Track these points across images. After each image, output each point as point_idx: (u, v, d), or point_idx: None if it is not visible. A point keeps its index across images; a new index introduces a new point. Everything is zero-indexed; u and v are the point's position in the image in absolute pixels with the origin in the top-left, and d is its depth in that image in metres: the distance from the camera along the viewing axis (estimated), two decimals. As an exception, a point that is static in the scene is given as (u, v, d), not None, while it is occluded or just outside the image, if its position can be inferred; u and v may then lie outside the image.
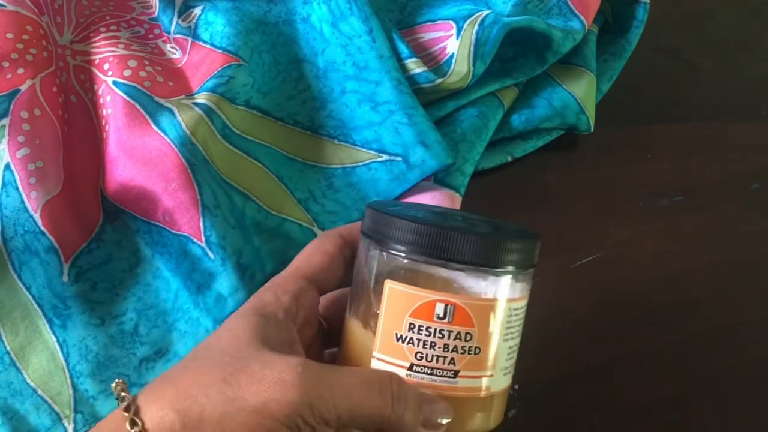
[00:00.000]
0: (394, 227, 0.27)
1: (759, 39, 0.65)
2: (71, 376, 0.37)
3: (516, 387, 0.39)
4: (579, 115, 0.48)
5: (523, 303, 0.29)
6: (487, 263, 0.27)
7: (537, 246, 0.29)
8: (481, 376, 0.28)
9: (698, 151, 0.54)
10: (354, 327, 0.29)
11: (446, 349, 0.27)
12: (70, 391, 0.36)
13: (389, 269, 0.28)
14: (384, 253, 0.28)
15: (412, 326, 0.27)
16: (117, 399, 0.26)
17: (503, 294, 0.28)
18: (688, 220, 0.50)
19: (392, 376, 0.27)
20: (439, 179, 0.43)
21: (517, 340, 0.29)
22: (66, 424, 0.36)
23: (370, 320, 0.28)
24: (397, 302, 0.27)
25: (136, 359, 0.38)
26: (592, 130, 0.49)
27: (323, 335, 0.33)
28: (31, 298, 0.38)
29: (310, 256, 0.31)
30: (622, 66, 0.52)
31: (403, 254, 0.27)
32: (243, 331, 0.27)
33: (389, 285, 0.27)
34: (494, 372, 0.28)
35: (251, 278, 0.39)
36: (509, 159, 0.48)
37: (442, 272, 0.27)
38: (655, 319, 0.45)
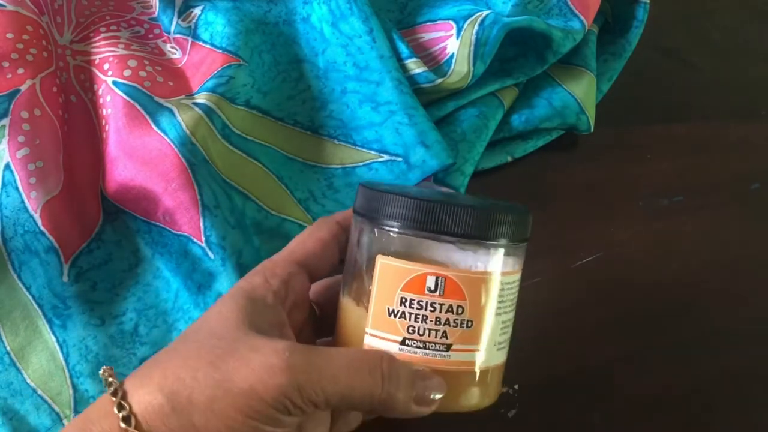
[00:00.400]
0: (385, 203, 0.27)
1: (759, 39, 0.65)
2: (71, 376, 0.37)
3: (516, 387, 0.39)
4: (579, 115, 0.48)
5: (516, 277, 0.29)
6: (477, 236, 0.27)
7: (528, 220, 0.29)
8: (474, 350, 0.28)
9: (698, 151, 0.54)
10: (347, 305, 0.29)
11: (438, 323, 0.27)
12: (70, 391, 0.36)
13: (381, 246, 0.28)
14: (376, 230, 0.28)
15: (403, 300, 0.27)
16: (104, 384, 0.26)
17: (494, 267, 0.28)
18: (688, 220, 0.50)
19: (383, 355, 0.27)
20: (439, 179, 0.43)
21: (511, 315, 0.29)
22: (66, 424, 0.36)
23: (362, 297, 0.28)
24: (389, 277, 0.27)
25: (136, 359, 0.37)
26: (592, 130, 0.49)
27: (315, 321, 0.33)
28: (31, 298, 0.38)
29: (304, 241, 0.31)
30: (622, 66, 0.52)
31: (395, 229, 0.27)
32: (231, 314, 0.27)
33: (381, 260, 0.27)
34: (487, 346, 0.28)
35: (251, 278, 0.39)
36: (509, 159, 0.48)
37: (434, 246, 0.27)
38: (655, 319, 0.45)
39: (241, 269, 0.39)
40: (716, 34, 0.63)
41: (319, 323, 0.33)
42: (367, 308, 0.28)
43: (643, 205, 0.50)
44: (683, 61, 0.60)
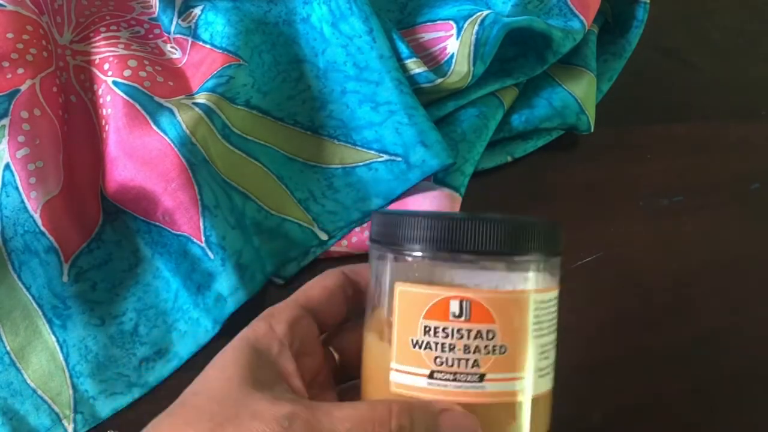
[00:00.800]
0: (400, 226, 0.26)
1: (759, 39, 0.65)
2: (71, 376, 0.37)
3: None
4: (579, 115, 0.48)
5: (552, 295, 0.27)
6: (500, 251, 0.25)
7: (558, 232, 0.27)
8: (512, 379, 0.25)
9: (698, 151, 0.54)
10: (370, 341, 0.27)
11: (467, 351, 0.24)
12: (70, 392, 0.36)
13: (400, 273, 0.26)
14: (393, 256, 0.26)
15: (427, 329, 0.25)
16: None
17: (525, 285, 0.26)
18: (688, 220, 0.50)
19: (392, 408, 0.24)
20: (439, 179, 0.43)
21: (552, 337, 0.27)
22: (66, 424, 0.36)
23: (385, 331, 0.26)
24: (410, 305, 0.25)
25: (136, 359, 0.38)
26: (592, 130, 0.49)
27: (335, 368, 0.31)
28: (30, 298, 0.38)
29: (309, 289, 0.30)
30: (622, 66, 0.52)
31: (413, 253, 0.25)
32: (233, 371, 0.26)
33: (399, 288, 0.25)
34: (527, 373, 0.25)
35: (251, 278, 0.39)
36: (509, 159, 0.48)
37: (456, 267, 0.25)
38: (655, 319, 0.45)
39: (241, 269, 0.39)
40: (716, 34, 0.63)
41: (339, 370, 0.31)
42: (390, 342, 0.26)
43: (643, 205, 0.50)
44: (683, 61, 0.60)
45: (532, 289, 0.26)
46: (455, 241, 0.25)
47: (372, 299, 0.28)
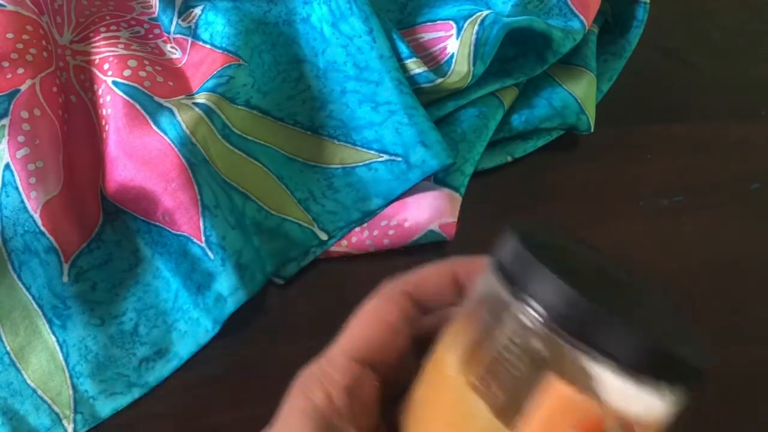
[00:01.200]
0: (545, 280, 0.20)
1: (759, 39, 0.65)
2: (71, 377, 0.37)
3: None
4: (579, 115, 0.48)
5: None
6: (673, 377, 0.21)
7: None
8: None
9: (698, 151, 0.54)
10: (475, 405, 0.22)
11: None
12: (70, 392, 0.36)
13: (522, 332, 0.20)
14: (520, 306, 0.20)
15: None
16: None
17: (669, 413, 0.22)
18: (688, 220, 0.50)
19: None
20: (439, 179, 0.43)
21: None
22: (66, 424, 0.36)
23: (507, 410, 0.21)
24: (560, 408, 0.20)
25: (136, 359, 0.38)
26: (592, 130, 0.49)
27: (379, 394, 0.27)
28: (30, 298, 0.38)
29: (366, 329, 0.25)
30: (622, 66, 0.52)
31: (549, 324, 0.20)
32: None
33: (555, 383, 0.20)
34: None
35: (251, 278, 0.39)
36: (509, 159, 0.48)
37: (601, 367, 0.20)
38: (655, 319, 0.45)
39: (241, 269, 0.39)
40: (716, 34, 0.63)
41: (380, 392, 0.27)
42: (510, 425, 0.21)
43: (643, 205, 0.50)
44: (683, 61, 0.60)
45: (669, 414, 0.23)
46: (626, 346, 0.20)
47: (487, 347, 0.22)
